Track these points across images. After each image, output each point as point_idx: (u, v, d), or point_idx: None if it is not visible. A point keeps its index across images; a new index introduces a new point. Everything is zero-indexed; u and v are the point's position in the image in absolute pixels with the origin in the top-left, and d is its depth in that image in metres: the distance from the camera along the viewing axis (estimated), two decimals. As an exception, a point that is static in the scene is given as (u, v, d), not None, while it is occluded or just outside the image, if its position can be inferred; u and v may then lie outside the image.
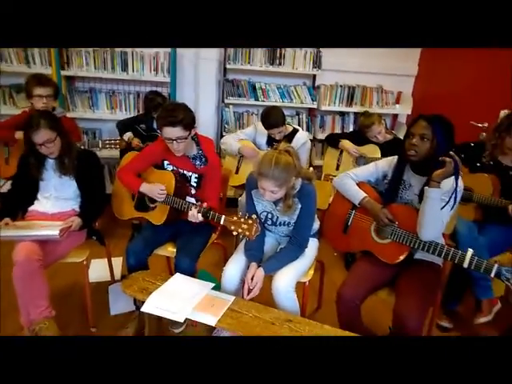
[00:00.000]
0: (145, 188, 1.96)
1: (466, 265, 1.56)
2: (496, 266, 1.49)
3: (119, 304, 2.21)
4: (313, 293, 2.27)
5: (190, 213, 1.79)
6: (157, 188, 1.92)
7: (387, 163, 1.86)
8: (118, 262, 2.61)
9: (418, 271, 1.73)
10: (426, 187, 1.60)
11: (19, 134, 2.51)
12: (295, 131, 2.79)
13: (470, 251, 1.56)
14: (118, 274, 2.53)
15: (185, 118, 1.84)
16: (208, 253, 2.11)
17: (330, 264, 2.31)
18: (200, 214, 1.77)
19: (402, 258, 1.72)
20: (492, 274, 1.50)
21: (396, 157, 1.81)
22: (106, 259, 2.34)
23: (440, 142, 1.62)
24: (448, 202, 1.59)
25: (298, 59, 3.47)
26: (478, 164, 2.26)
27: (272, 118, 2.65)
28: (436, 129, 1.61)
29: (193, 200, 2.07)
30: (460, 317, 2.30)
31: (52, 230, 1.81)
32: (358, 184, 1.89)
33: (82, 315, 2.09)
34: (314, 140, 3.71)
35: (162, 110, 1.90)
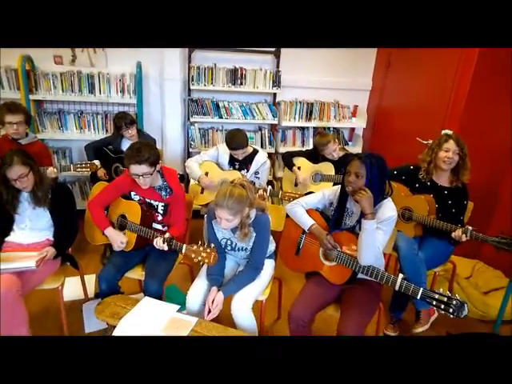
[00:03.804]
0: (109, 232, 2.15)
1: (397, 288, 1.78)
2: (421, 289, 1.70)
3: (93, 322, 2.35)
4: (274, 305, 2.53)
5: (155, 242, 2.02)
6: (118, 239, 2.13)
7: (333, 192, 2.10)
8: (91, 280, 2.77)
9: (360, 290, 1.95)
10: (362, 219, 1.84)
11: None
12: (255, 152, 3.02)
13: (400, 276, 1.78)
14: (91, 291, 2.69)
15: (150, 156, 2.04)
16: (177, 268, 2.31)
17: (291, 276, 2.48)
18: (165, 244, 1.98)
19: (345, 279, 1.94)
20: (418, 297, 1.71)
21: (339, 186, 2.05)
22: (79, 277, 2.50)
23: (373, 177, 1.86)
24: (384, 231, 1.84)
25: (258, 79, 3.69)
26: (417, 185, 2.51)
27: (236, 140, 2.86)
28: (368, 167, 1.85)
29: (159, 226, 2.28)
30: (405, 325, 2.55)
31: (29, 262, 1.96)
32: (307, 211, 2.12)
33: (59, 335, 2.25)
34: (276, 153, 3.96)
35: (128, 149, 2.08)
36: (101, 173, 2.95)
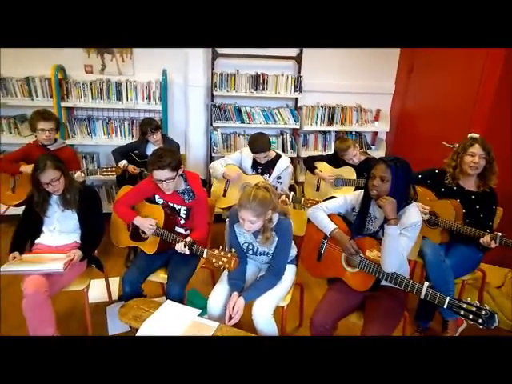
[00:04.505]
0: (137, 221, 2.20)
1: (422, 296, 1.72)
2: (448, 298, 1.64)
3: (116, 324, 2.38)
4: (296, 311, 2.49)
5: (177, 246, 2.05)
6: (148, 222, 2.17)
7: (355, 197, 2.07)
8: (115, 282, 2.83)
9: (384, 298, 1.90)
10: (385, 224, 1.80)
11: (24, 167, 2.76)
12: (278, 157, 3.03)
13: (426, 284, 1.72)
14: (115, 294, 2.74)
15: (172, 161, 2.08)
16: (198, 272, 2.33)
17: (313, 282, 2.46)
18: (187, 248, 2.01)
19: (368, 286, 1.90)
20: (444, 306, 1.64)
21: (362, 191, 2.01)
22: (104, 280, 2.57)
23: (398, 181, 1.82)
24: (408, 237, 1.79)
25: (280, 84, 3.70)
26: (443, 189, 2.44)
27: (259, 143, 2.89)
28: (393, 170, 1.81)
29: (182, 230, 2.32)
30: (432, 334, 2.45)
31: (57, 265, 2.02)
32: (329, 215, 2.09)
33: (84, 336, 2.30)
34: (297, 157, 3.95)
35: (151, 156, 2.14)
36: (131, 168, 3.05)
